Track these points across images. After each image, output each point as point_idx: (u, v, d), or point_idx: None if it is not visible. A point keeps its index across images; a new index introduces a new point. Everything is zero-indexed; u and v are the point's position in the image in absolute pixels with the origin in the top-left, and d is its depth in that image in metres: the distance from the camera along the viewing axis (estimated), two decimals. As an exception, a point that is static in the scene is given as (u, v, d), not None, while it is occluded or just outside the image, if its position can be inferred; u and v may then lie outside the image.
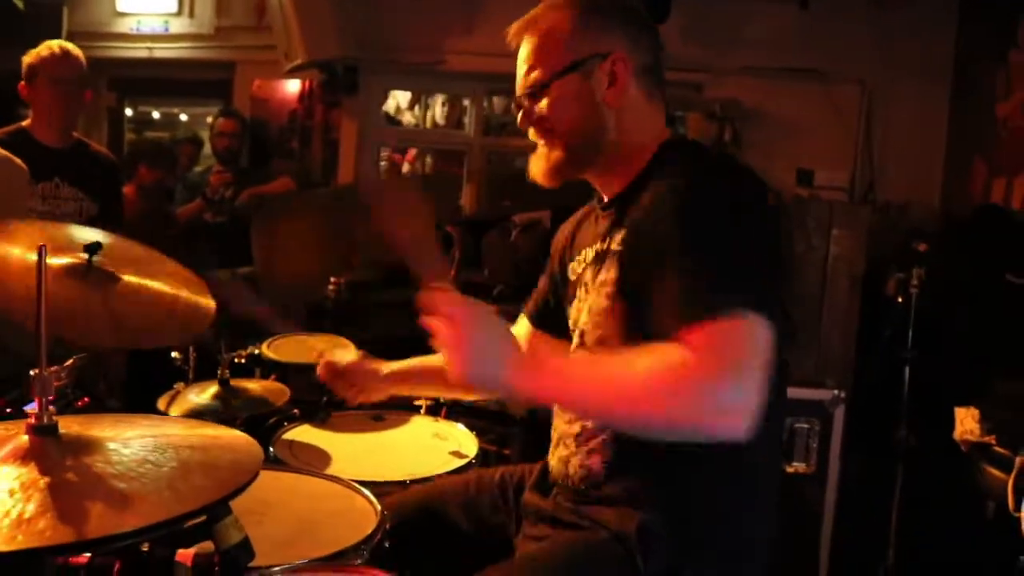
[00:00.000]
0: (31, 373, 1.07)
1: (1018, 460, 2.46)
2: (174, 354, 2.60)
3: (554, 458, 1.62)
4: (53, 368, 1.08)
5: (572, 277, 1.67)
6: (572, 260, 1.68)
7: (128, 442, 1.04)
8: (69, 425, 1.10)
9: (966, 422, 2.70)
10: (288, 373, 2.70)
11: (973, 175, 4.80)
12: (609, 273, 1.48)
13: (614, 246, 1.49)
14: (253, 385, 2.37)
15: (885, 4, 4.91)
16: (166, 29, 5.72)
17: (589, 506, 1.49)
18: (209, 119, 5.39)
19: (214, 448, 1.02)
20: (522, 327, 1.89)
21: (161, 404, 2.27)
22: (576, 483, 1.53)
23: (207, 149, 5.56)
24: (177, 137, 6.55)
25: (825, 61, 5.10)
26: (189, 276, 1.84)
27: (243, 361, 2.62)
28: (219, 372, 2.31)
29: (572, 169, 1.58)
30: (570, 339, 1.65)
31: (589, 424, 1.52)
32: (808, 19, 4.95)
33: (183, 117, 7.68)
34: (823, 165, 5.16)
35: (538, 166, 1.59)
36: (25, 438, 1.05)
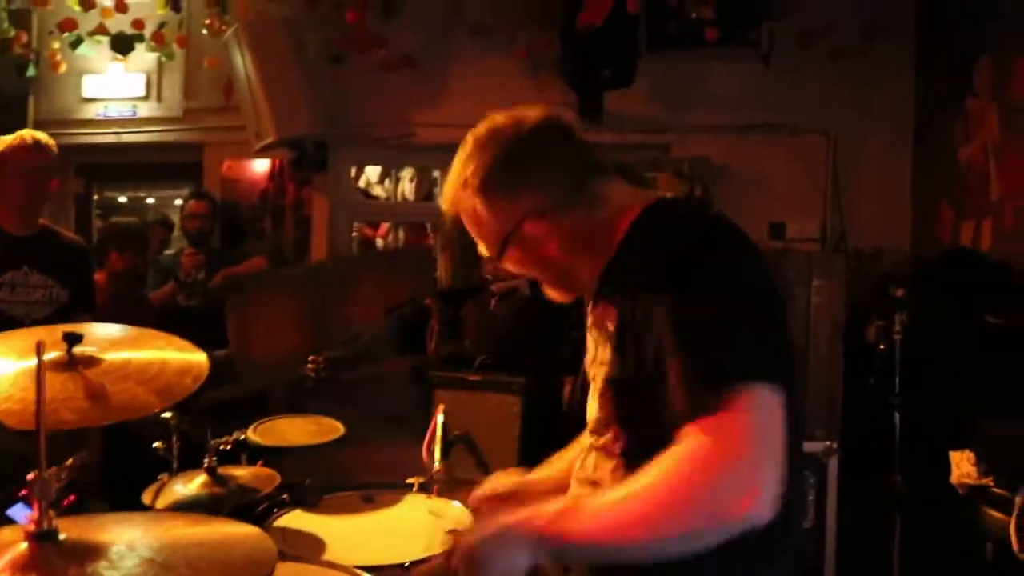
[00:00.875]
0: (28, 477, 1.02)
1: (1018, 500, 2.46)
2: (156, 444, 2.54)
3: None
4: (52, 469, 1.03)
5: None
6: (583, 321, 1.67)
7: (132, 544, 0.99)
8: (67, 528, 1.05)
9: (962, 465, 2.69)
10: (275, 457, 2.65)
11: (941, 219, 4.88)
12: (605, 354, 1.46)
13: (606, 325, 1.47)
14: (241, 472, 2.31)
15: (843, 57, 5.03)
16: (134, 113, 5.73)
17: None
18: (178, 201, 5.37)
19: (224, 545, 0.98)
20: None
21: (146, 498, 2.20)
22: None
23: (178, 231, 5.53)
24: (147, 220, 6.51)
25: (789, 115, 5.20)
26: (179, 341, 1.79)
27: (229, 447, 2.55)
28: (206, 461, 2.25)
29: (574, 292, 1.63)
30: None
31: None
32: (771, 75, 5.05)
33: (150, 200, 7.65)
34: (794, 217, 5.23)
35: (550, 295, 1.66)
36: (24, 546, 1.00)
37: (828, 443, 3.02)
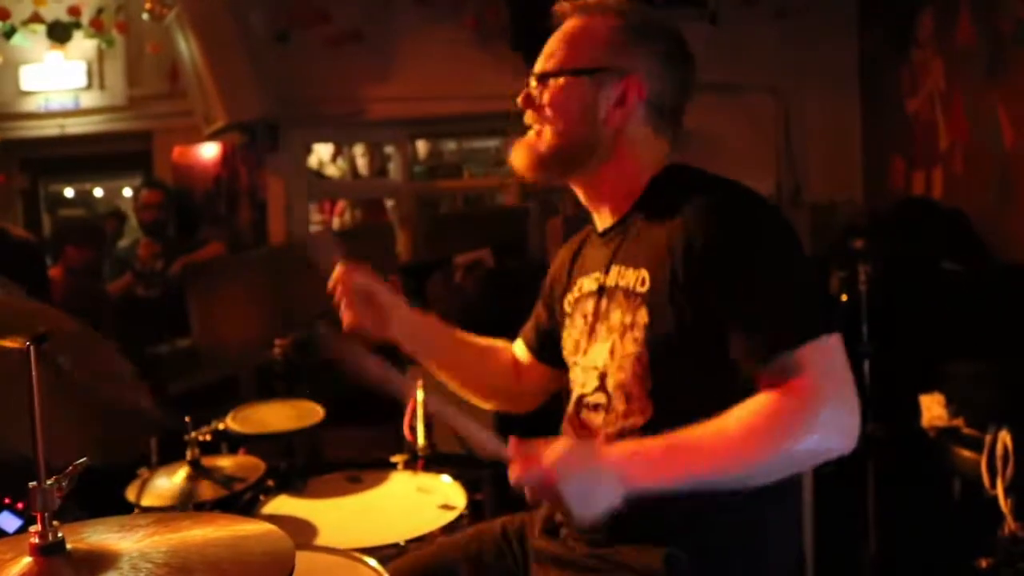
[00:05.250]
0: (30, 486, 1.00)
1: (988, 438, 2.52)
2: (133, 439, 2.50)
3: None
4: (53, 478, 1.01)
5: (567, 308, 1.64)
6: (569, 290, 1.65)
7: (144, 550, 0.98)
8: (71, 538, 1.02)
9: (932, 408, 2.75)
10: (255, 444, 2.63)
11: (892, 170, 4.95)
12: (636, 317, 1.43)
13: (635, 287, 1.45)
14: (225, 462, 2.29)
15: (787, 14, 5.06)
16: (76, 104, 5.59)
17: (608, 547, 1.45)
18: (126, 191, 5.28)
19: (241, 542, 0.97)
20: (521, 353, 1.88)
21: (130, 495, 2.17)
22: (592, 528, 1.46)
23: (132, 222, 5.44)
24: (97, 213, 6.40)
25: (738, 74, 5.21)
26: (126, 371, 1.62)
27: (208, 438, 2.52)
28: (188, 453, 2.23)
29: (556, 167, 1.55)
30: (566, 368, 1.64)
31: None
32: (719, 34, 5.06)
33: (98, 192, 7.49)
34: (748, 175, 5.14)
35: (521, 155, 1.57)
36: (29, 560, 0.98)
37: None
